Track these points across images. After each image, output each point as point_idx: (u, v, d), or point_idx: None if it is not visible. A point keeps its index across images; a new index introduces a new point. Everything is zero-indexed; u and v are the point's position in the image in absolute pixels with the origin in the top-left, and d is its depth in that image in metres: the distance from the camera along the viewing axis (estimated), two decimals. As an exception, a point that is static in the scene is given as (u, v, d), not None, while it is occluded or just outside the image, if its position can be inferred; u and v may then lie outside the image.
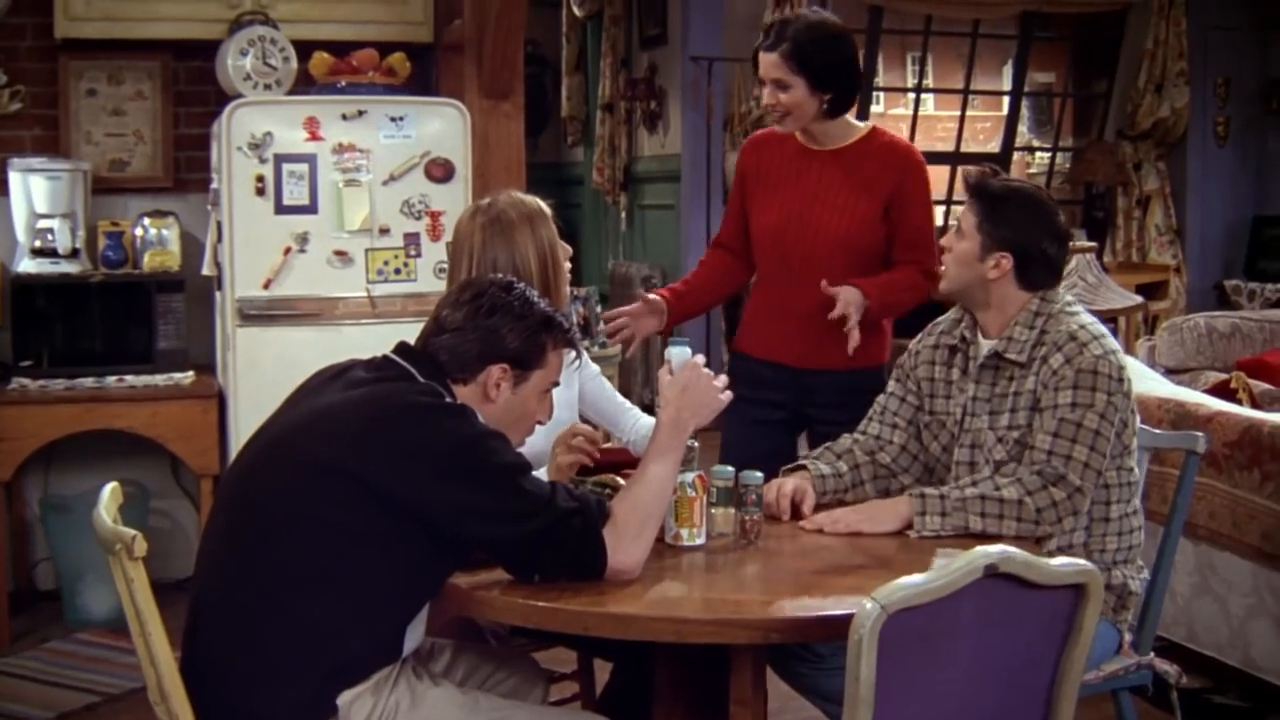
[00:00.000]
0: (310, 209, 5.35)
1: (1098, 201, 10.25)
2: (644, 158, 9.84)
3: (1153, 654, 3.43)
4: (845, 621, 2.24)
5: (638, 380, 8.67)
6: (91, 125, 5.95)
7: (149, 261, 5.68)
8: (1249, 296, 9.40)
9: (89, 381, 5.44)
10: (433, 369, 2.78)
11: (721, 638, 2.58)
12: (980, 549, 2.29)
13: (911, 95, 10.85)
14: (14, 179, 5.59)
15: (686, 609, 2.66)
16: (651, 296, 4.00)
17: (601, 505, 2.69)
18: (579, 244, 10.48)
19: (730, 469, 3.05)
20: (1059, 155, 10.93)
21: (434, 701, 2.72)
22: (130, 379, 5.48)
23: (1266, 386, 5.91)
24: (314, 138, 5.34)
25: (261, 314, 5.30)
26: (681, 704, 2.93)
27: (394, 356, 2.83)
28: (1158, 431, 3.68)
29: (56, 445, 5.51)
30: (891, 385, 3.50)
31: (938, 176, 10.72)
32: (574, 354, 3.06)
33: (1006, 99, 10.71)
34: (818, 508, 3.22)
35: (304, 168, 5.32)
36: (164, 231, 5.75)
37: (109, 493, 2.81)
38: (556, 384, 2.95)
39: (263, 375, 5.13)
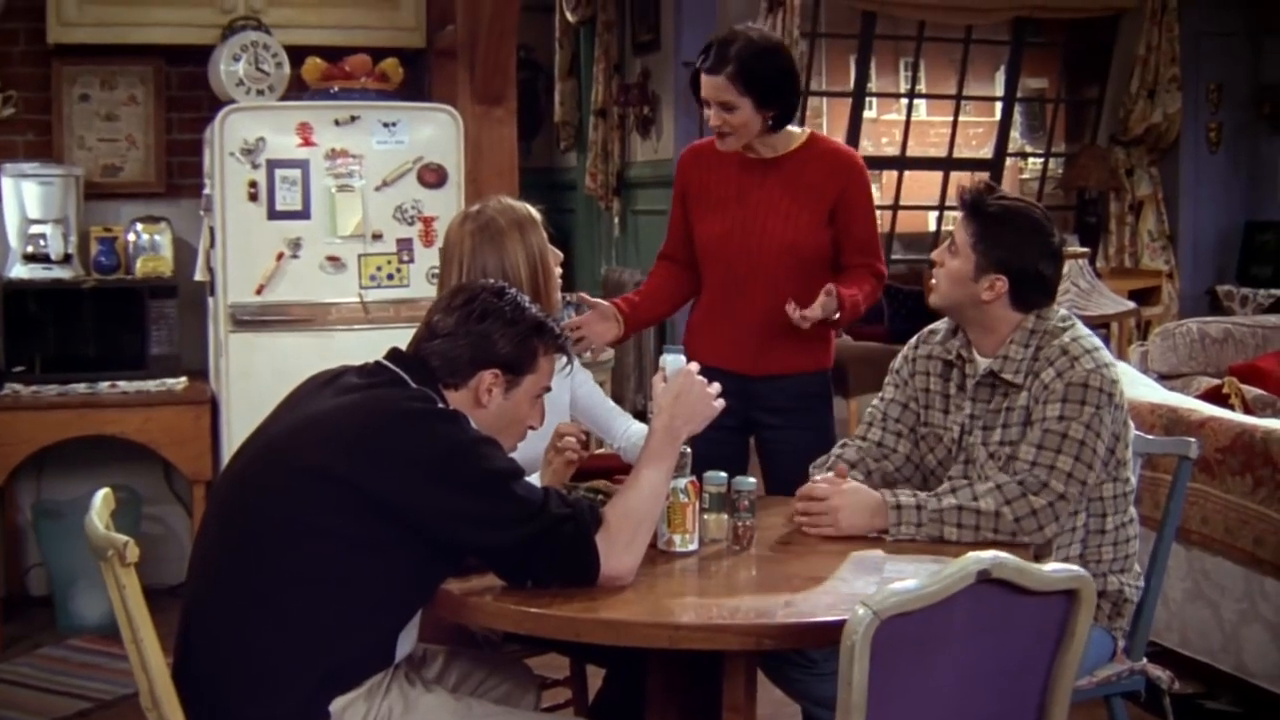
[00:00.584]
0: (303, 214, 5.34)
1: (1090, 207, 10.26)
2: (637, 163, 9.83)
3: (1145, 659, 3.43)
4: (838, 627, 2.24)
5: (630, 386, 8.66)
6: (84, 130, 5.96)
7: (141, 267, 5.68)
8: (1241, 302, 9.41)
9: (81, 387, 5.44)
10: (424, 374, 2.78)
11: (714, 644, 2.58)
12: (973, 555, 2.29)
13: (904, 101, 10.86)
14: (6, 184, 5.58)
15: (679, 615, 2.66)
16: (603, 303, 4.01)
17: (595, 511, 2.69)
18: (572, 249, 10.48)
19: (723, 474, 3.05)
20: (1051, 161, 10.94)
21: (427, 708, 2.72)
22: (123, 385, 5.47)
23: (1259, 392, 5.91)
24: (306, 143, 5.34)
25: (254, 319, 5.29)
26: (674, 710, 2.93)
27: (386, 362, 2.83)
28: (1150, 437, 3.68)
29: (49, 451, 5.50)
30: (890, 391, 3.49)
31: (930, 182, 10.75)
32: (565, 359, 3.06)
33: (999, 104, 10.72)
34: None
35: (296, 173, 5.32)
36: (156, 237, 5.74)
37: (101, 498, 2.81)
38: (548, 389, 2.95)
39: (255, 381, 5.13)
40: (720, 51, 3.81)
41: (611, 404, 3.81)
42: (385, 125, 5.42)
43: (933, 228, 11.17)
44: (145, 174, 6.03)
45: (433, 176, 5.46)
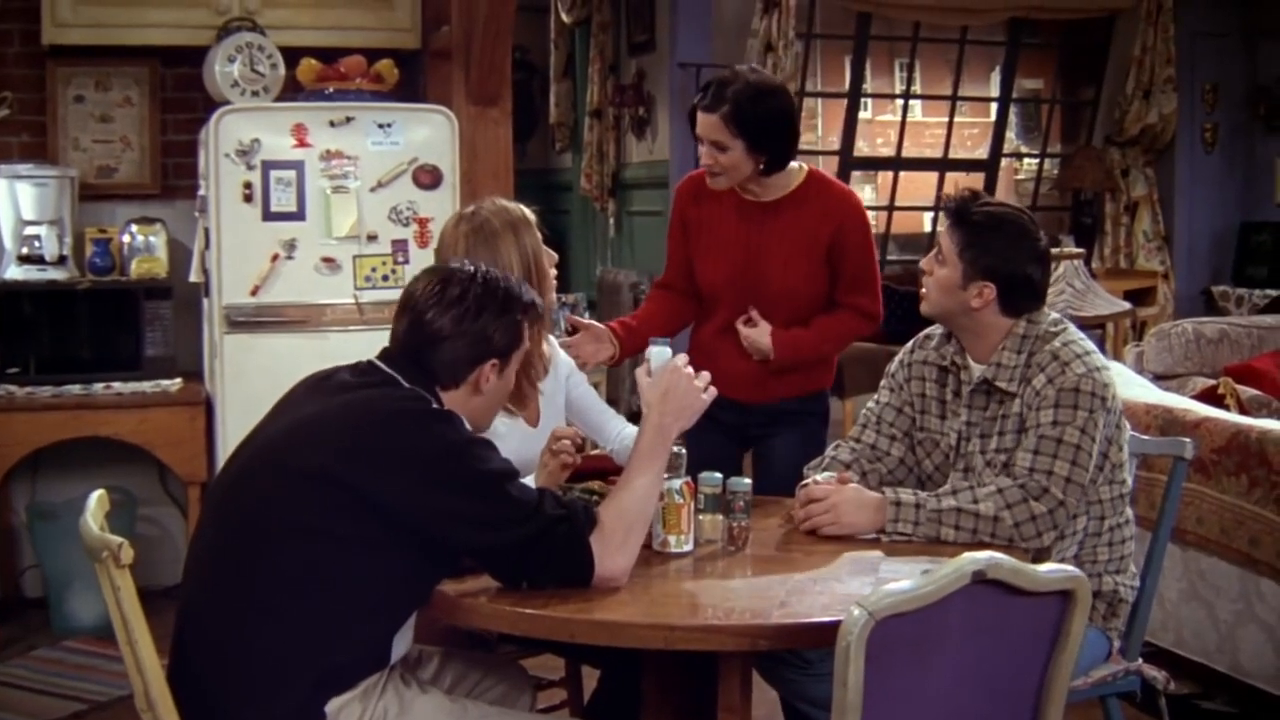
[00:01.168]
0: (298, 216, 5.34)
1: (1086, 208, 10.26)
2: (632, 164, 9.83)
3: (1141, 660, 3.43)
4: (833, 628, 2.24)
5: (625, 388, 8.66)
6: (79, 132, 5.95)
7: (136, 268, 5.67)
8: (1237, 302, 9.42)
9: (76, 388, 5.43)
10: (419, 374, 2.78)
11: (709, 644, 2.58)
12: (968, 555, 2.29)
13: (899, 102, 10.86)
14: (1, 186, 5.57)
15: (674, 616, 2.65)
16: (596, 325, 4.01)
17: (589, 512, 2.69)
18: (567, 251, 10.48)
19: (718, 475, 3.05)
20: (1047, 161, 10.94)
21: (422, 709, 2.72)
22: (117, 386, 5.47)
23: (1254, 392, 5.92)
24: (301, 144, 5.34)
25: (249, 321, 5.29)
26: (669, 711, 2.93)
27: (378, 362, 2.82)
28: (1145, 438, 3.68)
29: (43, 452, 5.51)
30: (885, 395, 3.48)
31: (925, 183, 10.75)
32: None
33: (994, 105, 10.73)
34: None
35: (291, 174, 5.32)
36: (151, 238, 5.74)
37: (96, 500, 2.80)
38: (527, 349, 2.95)
39: (250, 382, 5.13)
40: (718, 91, 3.79)
41: (605, 406, 3.82)
42: (380, 126, 5.42)
43: (928, 229, 11.18)
44: (140, 175, 6.03)
45: (428, 178, 5.46)
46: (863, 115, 10.73)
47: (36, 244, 5.53)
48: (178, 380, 5.55)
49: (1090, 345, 3.25)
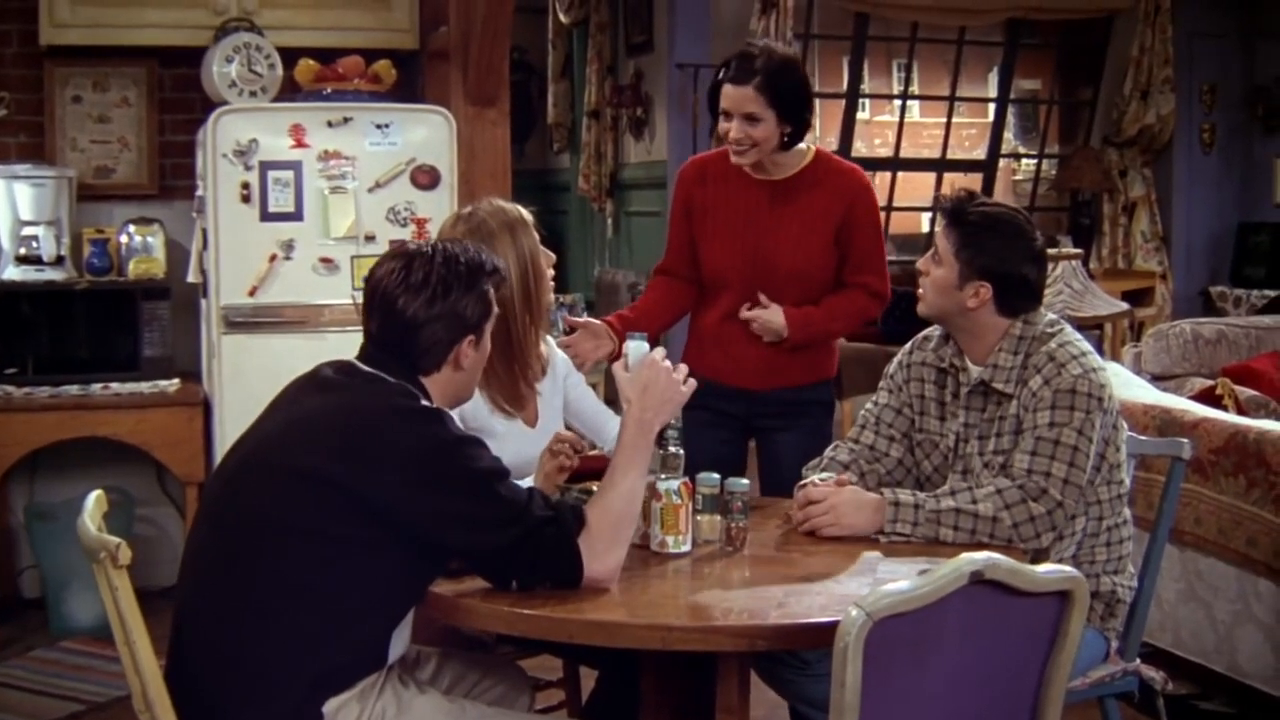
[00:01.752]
0: (296, 216, 5.34)
1: (1084, 208, 10.27)
2: (630, 164, 9.84)
3: (1139, 660, 3.43)
4: (831, 628, 2.24)
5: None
6: (77, 132, 5.95)
7: (134, 269, 5.67)
8: (1235, 303, 9.43)
9: (74, 389, 5.43)
10: (402, 367, 2.76)
11: (707, 645, 2.58)
12: (966, 555, 2.29)
13: (897, 102, 10.86)
14: (-1, 186, 5.58)
15: (672, 616, 2.65)
16: (593, 321, 3.99)
17: (577, 513, 2.68)
18: (565, 251, 10.48)
19: (716, 476, 3.05)
20: (1045, 162, 10.94)
21: (420, 709, 2.72)
22: (115, 386, 5.47)
23: (1252, 393, 5.92)
24: (299, 145, 5.34)
25: (247, 321, 5.29)
26: (667, 712, 2.93)
27: (357, 362, 2.80)
28: (1143, 438, 3.68)
29: (41, 453, 5.50)
30: (884, 396, 3.48)
31: (923, 183, 10.74)
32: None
33: (992, 106, 10.73)
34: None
35: (289, 175, 5.32)
36: (149, 239, 5.74)
37: (94, 500, 2.80)
38: (497, 312, 2.92)
39: (248, 383, 5.13)
40: (745, 63, 3.78)
41: (603, 407, 3.81)
42: (378, 127, 5.42)
43: (926, 229, 11.17)
44: (138, 176, 6.02)
45: (425, 178, 5.46)
46: (860, 116, 10.72)
47: (34, 244, 5.52)
48: (175, 381, 5.55)
49: (1087, 346, 3.24)
